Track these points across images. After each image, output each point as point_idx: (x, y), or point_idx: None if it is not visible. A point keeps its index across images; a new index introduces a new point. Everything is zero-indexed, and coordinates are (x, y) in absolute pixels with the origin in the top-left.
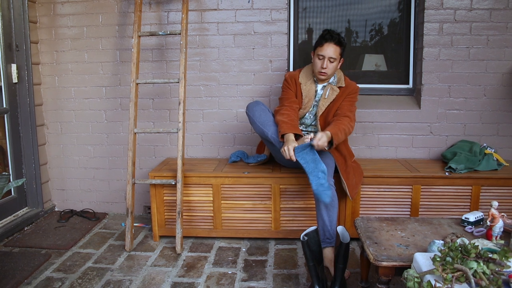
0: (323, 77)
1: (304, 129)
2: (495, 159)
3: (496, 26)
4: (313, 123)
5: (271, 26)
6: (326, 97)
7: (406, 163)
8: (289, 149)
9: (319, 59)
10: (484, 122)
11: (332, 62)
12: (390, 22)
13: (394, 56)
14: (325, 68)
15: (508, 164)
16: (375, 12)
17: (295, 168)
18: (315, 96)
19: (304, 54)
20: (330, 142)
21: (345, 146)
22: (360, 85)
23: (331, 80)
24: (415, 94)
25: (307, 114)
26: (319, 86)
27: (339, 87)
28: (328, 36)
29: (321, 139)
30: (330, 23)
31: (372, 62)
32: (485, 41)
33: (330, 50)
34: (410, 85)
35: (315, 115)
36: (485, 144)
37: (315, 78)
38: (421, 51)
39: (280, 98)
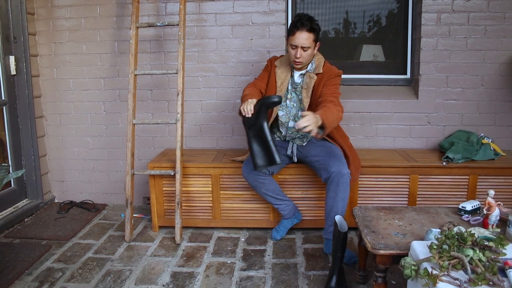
0: (298, 66)
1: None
2: (492, 148)
3: (493, 16)
4: (299, 115)
5: (269, 17)
6: (306, 86)
7: (404, 153)
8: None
9: (292, 48)
10: (481, 112)
11: (306, 50)
12: (388, 13)
13: (392, 47)
14: (299, 57)
15: (505, 154)
16: (374, 2)
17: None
18: (290, 82)
19: None
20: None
21: (338, 134)
22: (358, 76)
23: (308, 68)
24: (412, 84)
25: (288, 102)
26: (296, 74)
27: (317, 74)
28: (299, 23)
29: (306, 121)
30: (328, 13)
31: (370, 52)
32: (483, 31)
33: (302, 38)
34: (408, 75)
35: (300, 106)
36: (482, 134)
37: (292, 65)
38: (418, 41)
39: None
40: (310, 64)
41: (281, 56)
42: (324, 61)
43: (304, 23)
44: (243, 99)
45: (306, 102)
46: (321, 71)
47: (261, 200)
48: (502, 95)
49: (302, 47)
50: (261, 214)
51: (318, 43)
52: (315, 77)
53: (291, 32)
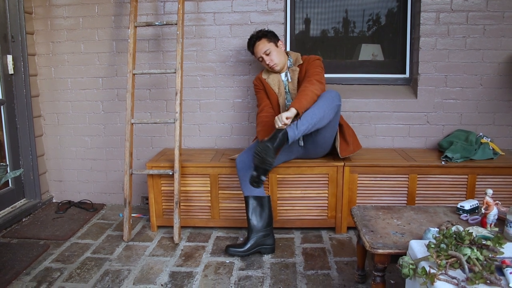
0: (277, 68)
1: None
2: (491, 148)
3: (492, 15)
4: None
5: (267, 16)
6: (290, 80)
7: (403, 153)
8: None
9: (261, 61)
10: (480, 111)
11: (269, 53)
12: (387, 12)
13: (391, 46)
14: (270, 62)
15: (503, 153)
16: (373, 2)
17: (292, 161)
18: (284, 83)
19: (301, 44)
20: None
21: None
22: (356, 75)
23: (288, 65)
24: (411, 83)
25: (286, 102)
26: (282, 75)
27: (299, 66)
28: (250, 44)
29: (280, 120)
30: (327, 13)
31: (369, 52)
32: (482, 30)
33: (258, 48)
34: (407, 75)
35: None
36: (481, 134)
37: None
38: (417, 41)
39: (257, 105)
40: (288, 61)
41: (261, 71)
42: (302, 56)
43: (252, 39)
44: (259, 134)
45: (295, 94)
46: (301, 62)
47: None
48: (501, 95)
49: (265, 53)
50: None
51: (278, 41)
52: (298, 69)
53: (252, 53)
